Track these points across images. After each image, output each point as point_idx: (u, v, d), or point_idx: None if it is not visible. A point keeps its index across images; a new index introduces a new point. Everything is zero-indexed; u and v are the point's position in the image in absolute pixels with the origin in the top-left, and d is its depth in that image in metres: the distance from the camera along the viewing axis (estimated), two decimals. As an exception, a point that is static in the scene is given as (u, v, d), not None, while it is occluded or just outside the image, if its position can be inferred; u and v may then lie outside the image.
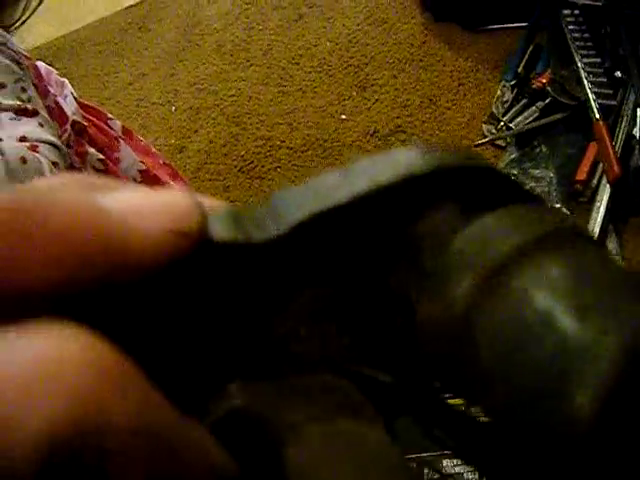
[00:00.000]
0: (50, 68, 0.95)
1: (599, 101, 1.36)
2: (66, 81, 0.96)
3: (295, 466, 0.16)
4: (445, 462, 0.76)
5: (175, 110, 1.81)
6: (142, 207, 0.15)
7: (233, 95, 1.78)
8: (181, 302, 0.16)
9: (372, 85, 1.67)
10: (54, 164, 0.72)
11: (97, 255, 0.13)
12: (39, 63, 0.92)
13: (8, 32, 0.86)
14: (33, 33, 2.12)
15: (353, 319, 0.19)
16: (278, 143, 1.65)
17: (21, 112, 0.75)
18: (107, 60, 2.02)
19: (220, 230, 0.16)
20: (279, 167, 1.61)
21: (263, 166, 1.62)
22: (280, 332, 0.18)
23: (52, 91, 0.88)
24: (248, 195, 1.59)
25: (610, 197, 1.29)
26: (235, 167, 1.64)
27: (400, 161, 0.18)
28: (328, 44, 1.79)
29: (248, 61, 1.85)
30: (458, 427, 0.20)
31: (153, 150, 1.07)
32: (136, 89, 1.91)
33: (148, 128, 1.78)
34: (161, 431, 0.13)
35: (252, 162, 1.63)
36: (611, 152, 1.29)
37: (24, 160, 0.69)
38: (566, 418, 0.14)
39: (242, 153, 1.66)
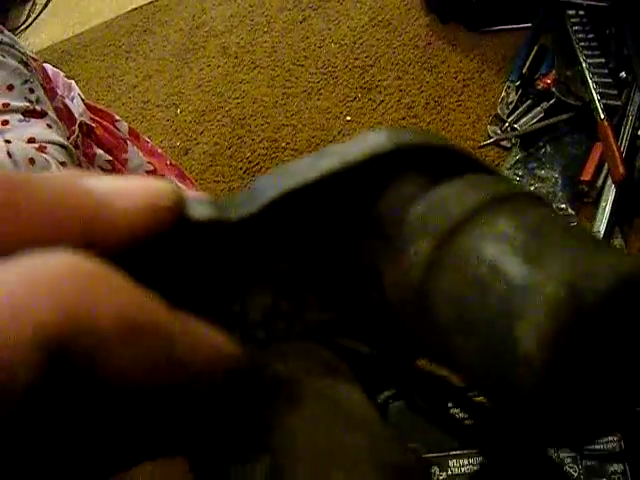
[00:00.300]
0: (57, 70, 0.96)
1: (604, 101, 1.36)
2: (73, 83, 0.96)
3: (273, 421, 0.16)
4: (451, 462, 0.75)
5: (180, 112, 1.82)
6: (122, 188, 0.16)
7: (238, 97, 1.79)
8: (165, 279, 0.17)
9: (377, 87, 1.68)
10: (62, 164, 0.72)
11: (78, 229, 0.15)
12: (46, 65, 0.92)
13: (15, 34, 0.87)
14: (39, 35, 2.13)
15: (331, 296, 0.20)
16: (283, 145, 1.65)
17: (29, 113, 0.75)
18: (113, 62, 2.03)
19: (200, 210, 0.18)
20: (284, 169, 1.61)
21: (268, 168, 1.63)
22: (259, 304, 0.19)
23: (60, 93, 0.89)
24: (253, 196, 1.59)
25: (615, 197, 1.29)
26: (240, 169, 1.64)
27: (367, 141, 0.19)
28: (333, 46, 1.80)
29: (253, 63, 1.85)
30: (439, 396, 0.21)
31: (160, 151, 1.07)
32: (141, 91, 1.91)
33: (153, 130, 1.78)
34: (150, 326, 0.13)
35: (257, 164, 1.64)
36: (616, 152, 1.29)
37: (32, 161, 0.70)
38: (513, 358, 0.15)
39: (247, 155, 1.66)
